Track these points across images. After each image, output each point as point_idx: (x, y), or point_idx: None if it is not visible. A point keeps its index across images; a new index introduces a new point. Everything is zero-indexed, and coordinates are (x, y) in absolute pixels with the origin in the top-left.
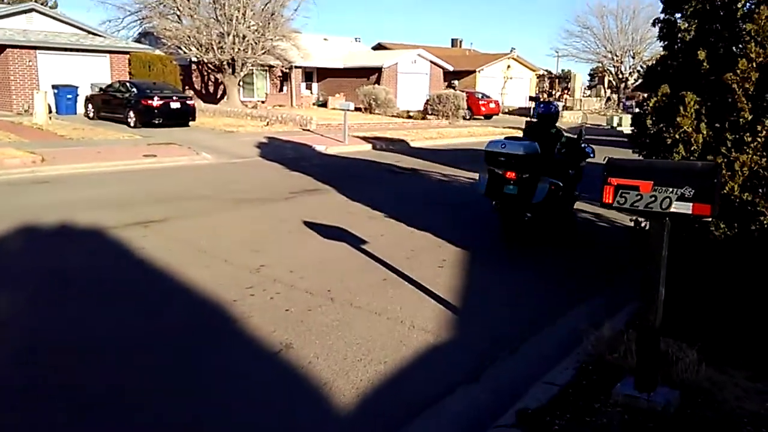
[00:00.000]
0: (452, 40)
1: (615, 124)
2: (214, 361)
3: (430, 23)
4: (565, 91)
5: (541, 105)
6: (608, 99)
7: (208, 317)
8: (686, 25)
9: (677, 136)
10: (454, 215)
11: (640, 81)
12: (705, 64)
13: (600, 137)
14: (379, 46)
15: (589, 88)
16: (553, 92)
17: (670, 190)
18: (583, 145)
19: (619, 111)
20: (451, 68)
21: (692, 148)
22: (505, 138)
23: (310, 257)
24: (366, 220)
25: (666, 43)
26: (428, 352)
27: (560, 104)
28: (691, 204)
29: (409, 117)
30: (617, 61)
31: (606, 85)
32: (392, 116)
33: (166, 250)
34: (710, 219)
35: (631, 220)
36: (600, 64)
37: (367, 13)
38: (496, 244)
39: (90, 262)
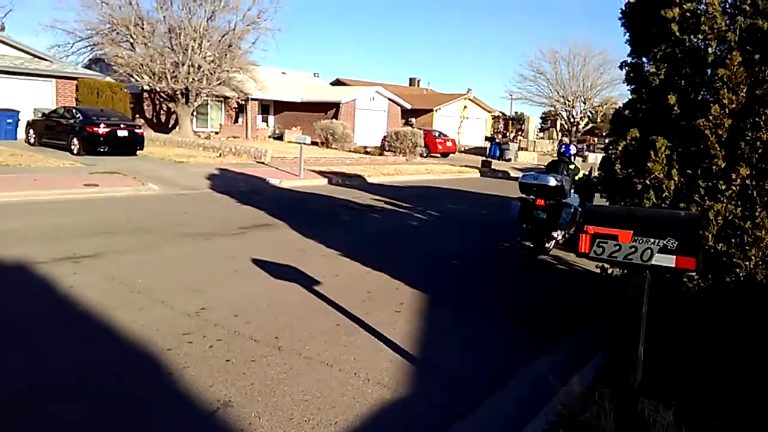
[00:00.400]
0: (410, 79)
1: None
2: (136, 424)
3: (388, 62)
4: (519, 133)
5: (563, 146)
6: (560, 142)
7: (135, 370)
8: (655, 69)
9: (648, 182)
10: (412, 255)
11: (590, 125)
12: (676, 108)
13: None
14: (337, 82)
15: (542, 130)
16: (507, 133)
17: (652, 240)
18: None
19: None
20: (409, 106)
21: (663, 195)
22: (534, 172)
23: (258, 299)
24: (320, 258)
25: (633, 86)
26: (384, 410)
27: (515, 145)
28: (674, 257)
29: (367, 153)
30: (569, 105)
31: (558, 129)
32: (349, 151)
33: (96, 289)
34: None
35: (597, 267)
36: (553, 108)
37: (326, 50)
38: (454, 286)
39: (3, 302)
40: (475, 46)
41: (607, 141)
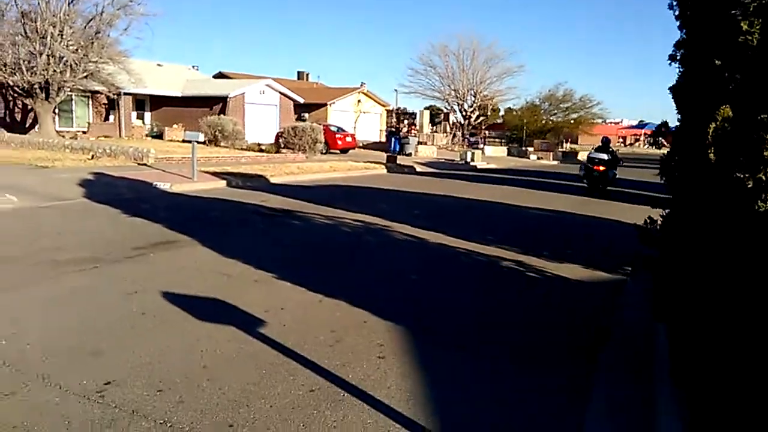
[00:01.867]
0: (298, 72)
1: (468, 159)
2: None
3: (273, 55)
4: (412, 127)
5: (604, 138)
6: (454, 135)
7: None
8: (748, 25)
9: (765, 178)
10: (362, 270)
11: (481, 119)
12: None
13: (464, 172)
14: (220, 75)
15: (435, 124)
16: (400, 127)
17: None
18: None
19: (465, 146)
20: (302, 100)
21: None
22: (594, 150)
23: (186, 358)
24: (252, 285)
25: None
26: None
27: (415, 140)
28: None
29: (262, 150)
30: (461, 99)
31: (450, 122)
32: (242, 149)
33: None
34: None
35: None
36: (446, 102)
37: (203, 42)
38: (430, 313)
39: None
40: (366, 40)
41: (508, 134)
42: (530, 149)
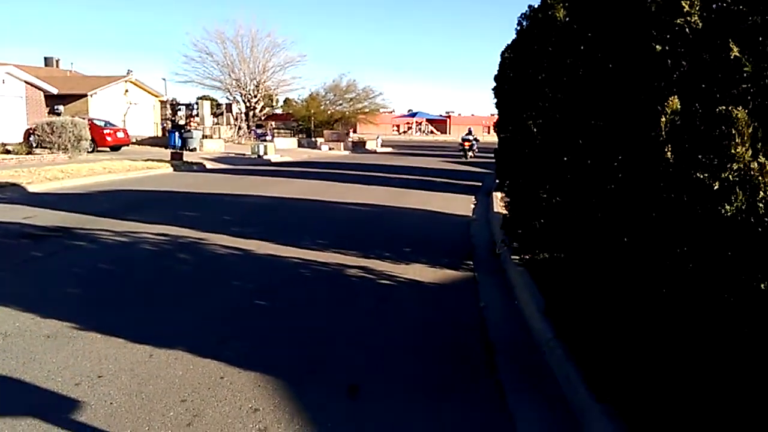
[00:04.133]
0: (45, 58)
1: (261, 153)
2: None
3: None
4: (191, 119)
5: (469, 128)
6: (239, 128)
7: None
8: (688, 6)
9: (731, 177)
10: (186, 300)
11: (267, 109)
12: (746, 64)
13: (261, 167)
14: None
15: (217, 115)
16: (176, 119)
17: None
18: None
19: (253, 139)
20: (55, 91)
21: (760, 197)
22: (464, 135)
23: None
24: (44, 344)
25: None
26: None
27: (199, 133)
28: None
29: (8, 152)
30: (243, 88)
31: (234, 114)
32: None
33: None
34: None
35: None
36: (227, 92)
37: None
38: (301, 355)
39: None
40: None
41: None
42: (320, 140)
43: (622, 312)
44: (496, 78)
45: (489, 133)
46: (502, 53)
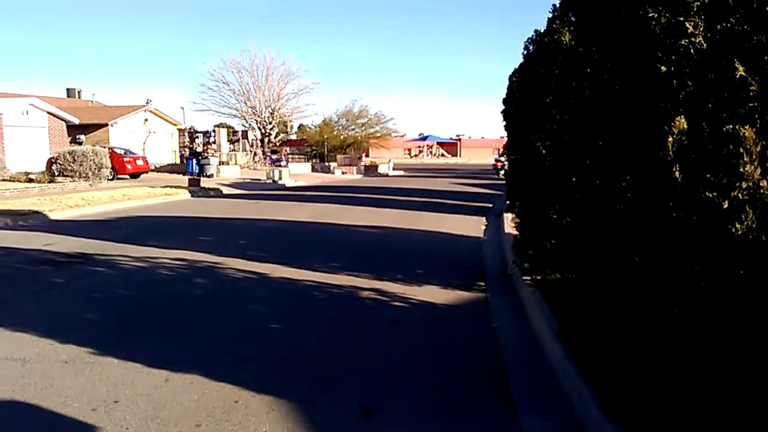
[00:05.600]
0: (68, 89)
1: (276, 178)
2: None
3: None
4: (208, 146)
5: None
6: (254, 154)
7: None
8: (692, 27)
9: (741, 196)
10: (209, 329)
11: (281, 135)
12: (752, 84)
13: (275, 192)
14: None
15: (233, 142)
16: (194, 146)
17: None
18: None
19: (268, 164)
20: (77, 121)
21: None
22: (497, 157)
23: None
24: (61, 369)
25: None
26: None
27: (216, 160)
28: None
29: (31, 180)
30: (258, 116)
31: (249, 140)
32: (3, 180)
33: None
34: None
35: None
36: (243, 119)
37: None
38: (317, 377)
39: None
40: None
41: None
42: (333, 164)
43: (633, 331)
44: (504, 101)
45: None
46: (510, 76)
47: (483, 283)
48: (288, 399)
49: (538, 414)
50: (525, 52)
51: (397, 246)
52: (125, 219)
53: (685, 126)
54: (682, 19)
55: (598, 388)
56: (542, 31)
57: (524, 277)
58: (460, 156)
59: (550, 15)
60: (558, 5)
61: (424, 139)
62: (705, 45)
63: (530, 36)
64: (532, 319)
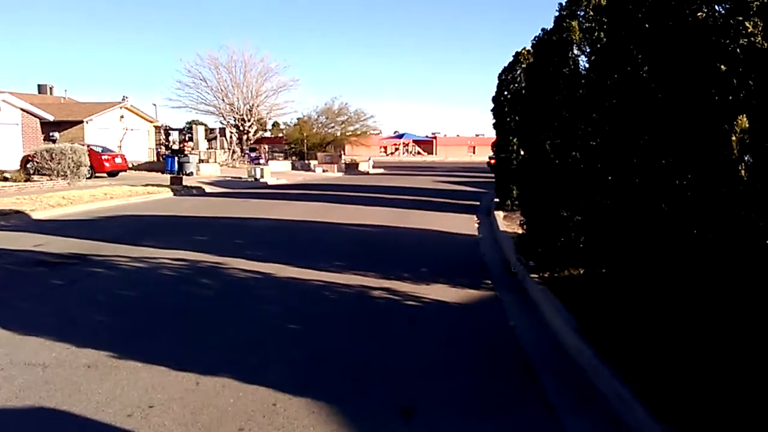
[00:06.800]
0: (39, 85)
1: (258, 176)
2: None
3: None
4: (185, 144)
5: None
6: (233, 152)
7: None
8: (751, 26)
9: None
10: (230, 329)
11: (260, 133)
12: None
13: (259, 190)
14: None
15: (209, 140)
16: (170, 144)
17: None
18: None
19: (247, 162)
20: (51, 118)
21: None
22: (490, 155)
23: None
24: (86, 374)
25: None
26: None
27: (195, 158)
28: None
29: (6, 179)
30: (237, 113)
31: (228, 138)
32: None
33: None
34: None
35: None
36: (221, 116)
37: None
38: (349, 378)
39: None
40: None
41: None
42: (314, 162)
43: (674, 329)
44: (494, 99)
45: (474, 153)
46: (500, 75)
47: (489, 281)
48: (326, 401)
49: (578, 414)
50: (532, 50)
51: (396, 245)
52: (111, 218)
53: (747, 125)
54: (741, 18)
55: (637, 388)
56: (549, 29)
57: (531, 275)
58: (435, 154)
59: (557, 14)
60: (564, 3)
61: (400, 137)
62: (765, 45)
63: (536, 35)
64: (548, 316)
